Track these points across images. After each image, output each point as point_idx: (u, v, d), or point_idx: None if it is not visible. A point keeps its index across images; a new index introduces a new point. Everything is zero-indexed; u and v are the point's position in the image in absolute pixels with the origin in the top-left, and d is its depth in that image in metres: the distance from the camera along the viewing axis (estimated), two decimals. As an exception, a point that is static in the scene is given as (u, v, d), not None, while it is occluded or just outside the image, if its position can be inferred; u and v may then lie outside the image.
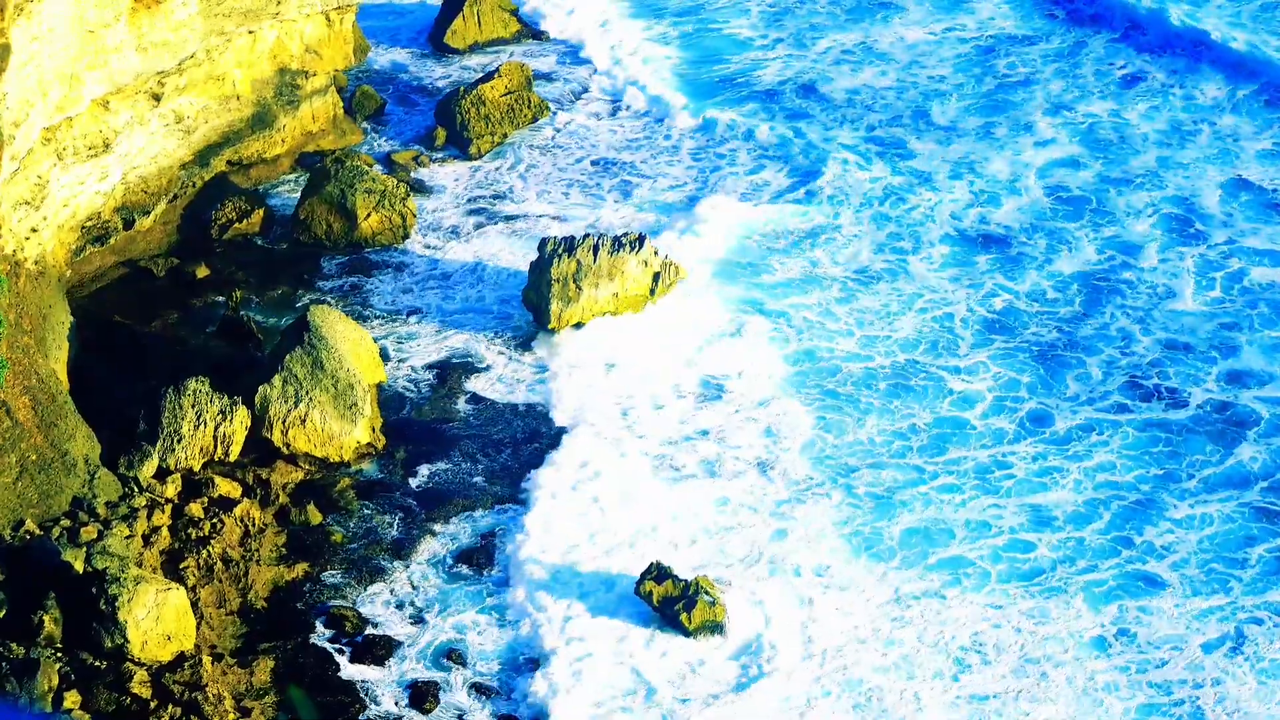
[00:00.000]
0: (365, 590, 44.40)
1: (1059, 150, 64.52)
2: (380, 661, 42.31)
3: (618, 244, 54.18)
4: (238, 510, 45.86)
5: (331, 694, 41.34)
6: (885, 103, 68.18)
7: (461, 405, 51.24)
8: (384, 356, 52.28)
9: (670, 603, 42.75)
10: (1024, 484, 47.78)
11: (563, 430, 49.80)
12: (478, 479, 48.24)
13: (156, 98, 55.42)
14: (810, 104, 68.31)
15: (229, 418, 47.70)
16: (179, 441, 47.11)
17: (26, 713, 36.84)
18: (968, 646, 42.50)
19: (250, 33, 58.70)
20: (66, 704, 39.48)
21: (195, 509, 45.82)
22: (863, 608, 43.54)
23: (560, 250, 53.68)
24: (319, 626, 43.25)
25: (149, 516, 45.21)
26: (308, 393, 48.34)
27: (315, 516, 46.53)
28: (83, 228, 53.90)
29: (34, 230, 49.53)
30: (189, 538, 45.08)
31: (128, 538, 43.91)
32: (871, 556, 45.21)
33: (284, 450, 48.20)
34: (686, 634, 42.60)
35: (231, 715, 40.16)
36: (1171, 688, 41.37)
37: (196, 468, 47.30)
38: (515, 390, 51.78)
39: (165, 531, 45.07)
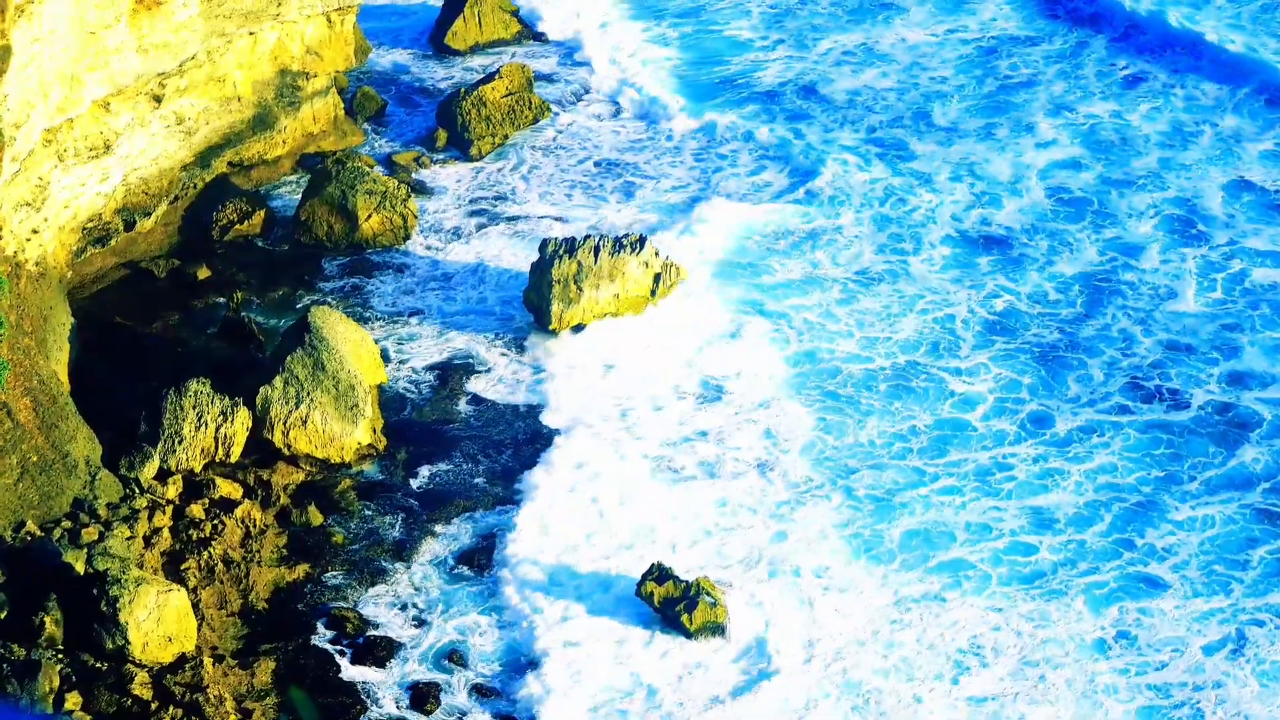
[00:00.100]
0: (366, 591, 44.41)
1: (1060, 151, 64.49)
2: (381, 663, 42.31)
3: (619, 245, 54.19)
4: (239, 511, 45.88)
5: (332, 695, 41.34)
6: (886, 104, 68.16)
7: (462, 406, 51.26)
8: (385, 358, 52.29)
9: (671, 604, 42.75)
10: (1025, 486, 47.76)
11: (563, 431, 49.79)
12: (479, 480, 48.25)
13: (157, 99, 55.42)
14: (811, 105, 68.29)
15: (230, 419, 47.72)
16: (180, 443, 47.13)
17: (28, 714, 36.84)
18: (967, 649, 42.48)
19: (251, 34, 58.70)
20: (68, 705, 39.50)
21: (196, 510, 45.84)
22: (863, 610, 43.52)
23: (561, 251, 53.70)
24: (320, 628, 43.25)
25: (150, 518, 45.24)
26: (309, 394, 48.36)
27: (316, 518, 46.55)
28: (84, 229, 53.92)
29: (35, 232, 49.55)
30: (190, 539, 45.10)
31: (129, 539, 43.94)
32: (872, 558, 45.20)
33: (285, 451, 48.22)
34: (688, 635, 42.60)
35: (233, 717, 40.18)
36: (1172, 690, 41.35)
37: (197, 469, 47.32)
38: (516, 391, 51.79)
39: (166, 533, 45.10)
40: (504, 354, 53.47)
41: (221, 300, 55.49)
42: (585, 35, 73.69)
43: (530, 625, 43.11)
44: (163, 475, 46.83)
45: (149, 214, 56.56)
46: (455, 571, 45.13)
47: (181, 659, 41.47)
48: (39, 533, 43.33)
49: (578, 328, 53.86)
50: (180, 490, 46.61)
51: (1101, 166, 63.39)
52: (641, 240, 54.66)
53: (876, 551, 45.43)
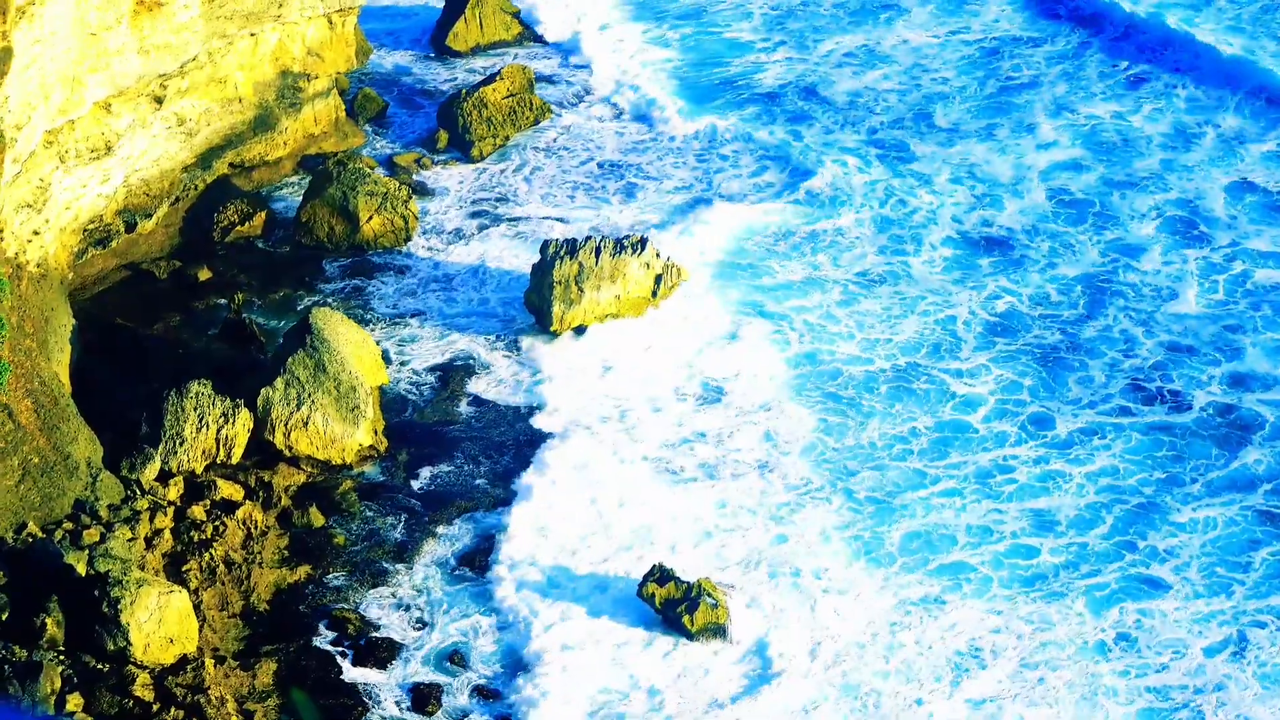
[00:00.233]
0: (368, 593, 44.41)
1: (1062, 152, 64.47)
2: (383, 664, 42.31)
3: (620, 246, 54.19)
4: (240, 513, 45.89)
5: (334, 697, 41.34)
6: (887, 105, 68.15)
7: (463, 407, 51.27)
8: (386, 359, 52.30)
9: (672, 605, 42.74)
10: (1026, 488, 47.72)
11: (563, 433, 49.78)
12: (480, 481, 48.26)
13: (158, 100, 55.44)
14: (812, 106, 68.27)
15: (231, 420, 47.73)
16: (181, 444, 47.14)
17: (29, 715, 36.88)
18: (967, 651, 42.45)
19: (252, 35, 58.72)
20: (69, 707, 39.51)
21: (197, 511, 45.85)
22: (863, 612, 43.50)
23: (562, 252, 53.70)
24: (321, 629, 43.26)
25: (151, 519, 45.24)
26: (310, 395, 48.36)
27: (317, 519, 46.55)
28: (85, 230, 53.94)
29: (36, 233, 49.57)
30: (191, 540, 45.11)
31: (130, 540, 43.95)
32: (872, 560, 45.17)
33: (286, 453, 48.23)
34: (689, 636, 42.59)
35: (234, 718, 40.19)
36: (1172, 692, 41.31)
37: (199, 470, 47.34)
38: (517, 393, 51.80)
39: (167, 534, 45.10)
40: (505, 355, 53.47)
41: (222, 302, 55.49)
42: (586, 37, 73.69)
43: (532, 626, 43.10)
44: (164, 477, 46.85)
45: (150, 215, 56.57)
46: (457, 573, 45.13)
47: (183, 660, 41.50)
48: (40, 534, 43.35)
49: (579, 329, 53.86)
50: (181, 492, 46.63)
51: (1103, 167, 63.36)
52: (643, 241, 54.66)
53: (877, 553, 45.41)
